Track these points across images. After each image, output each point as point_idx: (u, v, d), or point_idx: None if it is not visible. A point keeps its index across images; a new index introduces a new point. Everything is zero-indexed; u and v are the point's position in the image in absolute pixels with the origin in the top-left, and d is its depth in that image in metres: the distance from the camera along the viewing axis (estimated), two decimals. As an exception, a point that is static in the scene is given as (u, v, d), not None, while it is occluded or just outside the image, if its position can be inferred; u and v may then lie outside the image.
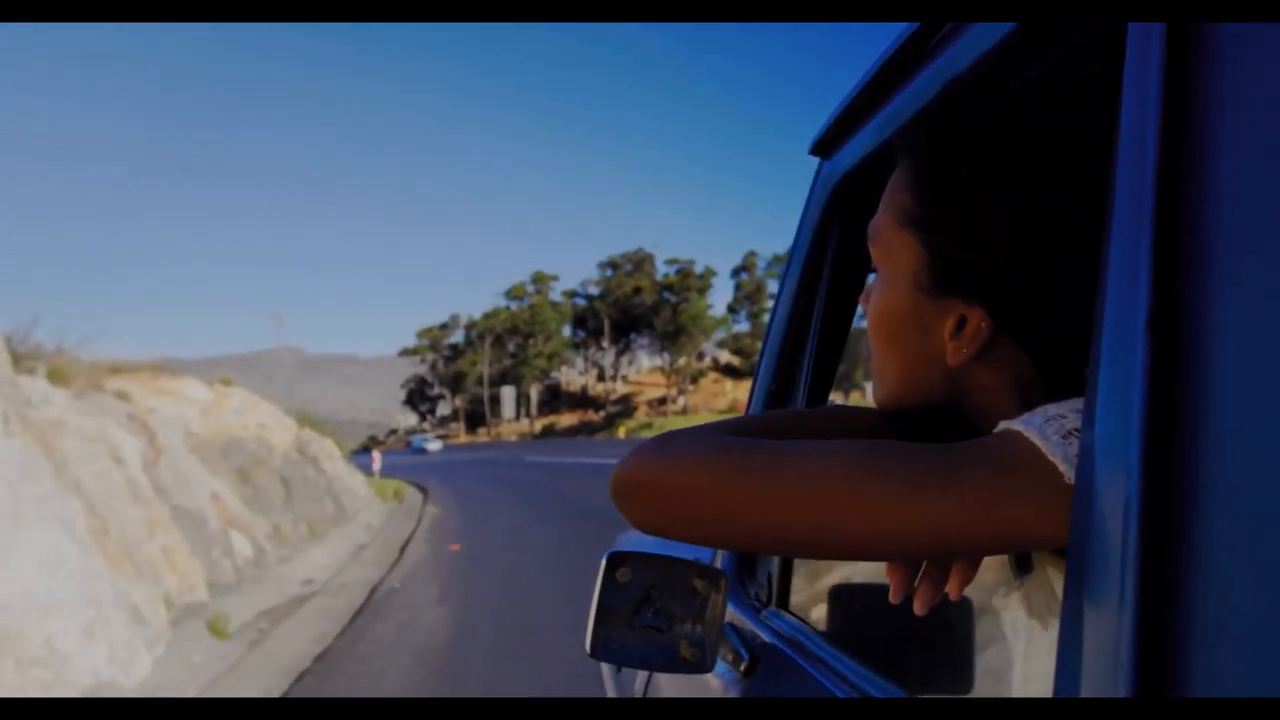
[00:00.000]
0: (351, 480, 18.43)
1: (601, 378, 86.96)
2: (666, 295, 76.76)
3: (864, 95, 0.92)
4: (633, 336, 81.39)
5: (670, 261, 78.59)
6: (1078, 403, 0.50)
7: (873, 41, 0.88)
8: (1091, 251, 0.50)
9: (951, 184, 0.62)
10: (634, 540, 1.73)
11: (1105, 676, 0.36)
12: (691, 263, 76.41)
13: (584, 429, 70.78)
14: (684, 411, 67.25)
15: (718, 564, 1.23)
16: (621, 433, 58.24)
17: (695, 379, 74.62)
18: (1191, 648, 0.33)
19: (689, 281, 74.69)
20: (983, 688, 1.03)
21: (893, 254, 0.66)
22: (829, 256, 1.11)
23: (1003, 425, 0.52)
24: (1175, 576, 0.34)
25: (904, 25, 0.80)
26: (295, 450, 12.91)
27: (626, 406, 74.46)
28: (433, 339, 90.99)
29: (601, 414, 75.70)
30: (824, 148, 1.09)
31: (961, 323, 0.62)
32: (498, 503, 17.98)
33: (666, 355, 74.74)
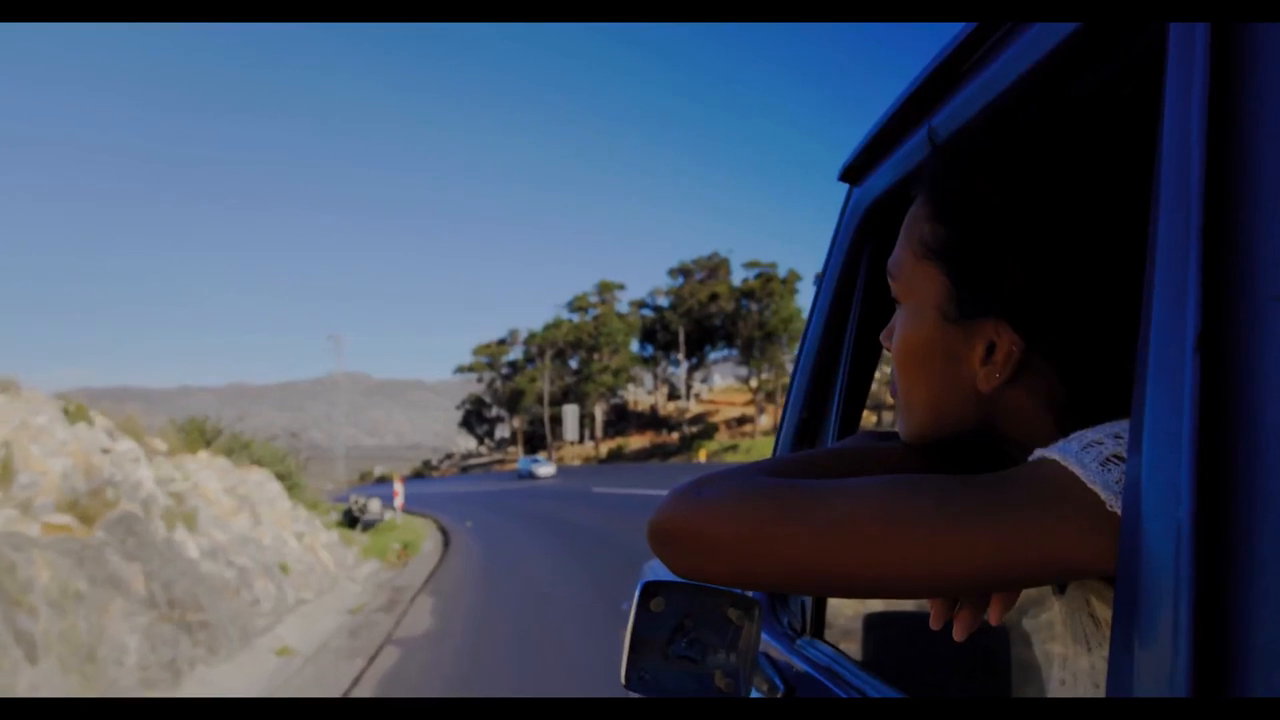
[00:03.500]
0: (310, 540, 10.88)
1: (673, 396, 79.12)
2: (745, 303, 68.90)
3: (893, 122, 0.92)
4: (707, 350, 73.53)
5: (750, 265, 70.68)
6: (1112, 427, 0.50)
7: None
8: (1121, 268, 0.54)
9: (969, 210, 0.61)
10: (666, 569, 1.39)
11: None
12: (773, 266, 68.40)
13: (657, 452, 62.79)
14: (774, 431, 58.75)
15: (750, 593, 1.17)
16: (702, 456, 50.11)
17: (780, 395, 66.21)
18: (1249, 680, 0.32)
19: (771, 286, 66.52)
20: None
21: (915, 286, 0.65)
22: (860, 283, 1.10)
23: (1038, 454, 0.52)
24: (1231, 606, 0.33)
25: (932, 54, 0.79)
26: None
27: (706, 427, 66.30)
28: (491, 355, 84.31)
29: (676, 435, 67.61)
30: (854, 174, 1.08)
31: (991, 348, 0.61)
32: (552, 581, 10.19)
33: (747, 369, 66.69)
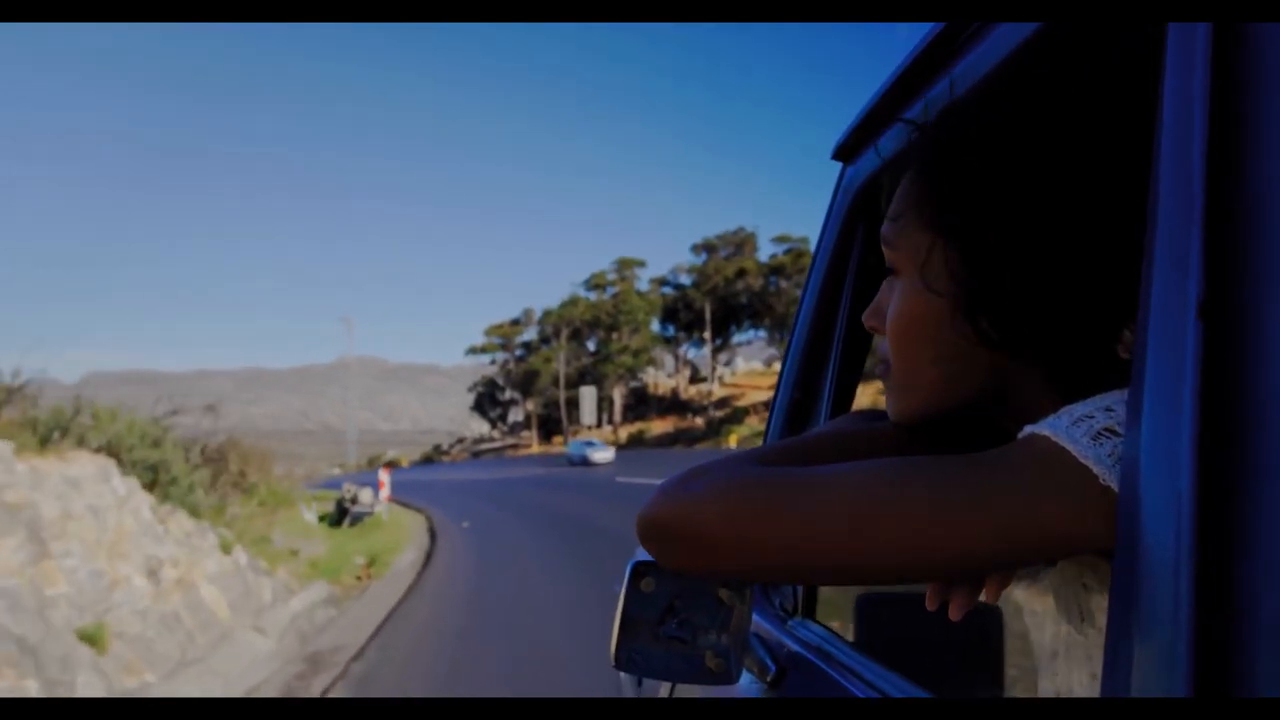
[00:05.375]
0: (186, 572, 6.83)
1: (694, 379, 74.89)
2: (774, 280, 64.54)
3: (886, 99, 0.91)
4: (732, 330, 69.22)
5: (779, 239, 66.33)
6: (1104, 400, 0.50)
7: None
8: (1123, 237, 0.53)
9: (974, 178, 0.60)
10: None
11: (1159, 688, 0.34)
12: (804, 240, 63.96)
13: (681, 438, 58.56)
14: (808, 416, 54.23)
15: None
16: (733, 441, 45.94)
17: (810, 378, 61.47)
18: (1253, 656, 0.31)
19: (803, 262, 62.15)
20: (1012, 688, 1.03)
21: (919, 256, 0.63)
22: (853, 262, 1.09)
23: (1028, 430, 0.51)
24: (1233, 581, 0.32)
25: (926, 30, 0.79)
26: None
27: (733, 411, 62.05)
28: (504, 336, 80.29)
29: (701, 420, 63.41)
30: (847, 152, 1.08)
31: None
32: (569, 639, 6.12)
33: (779, 350, 62.39)
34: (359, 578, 10.73)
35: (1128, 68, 0.56)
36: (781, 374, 1.21)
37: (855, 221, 1.07)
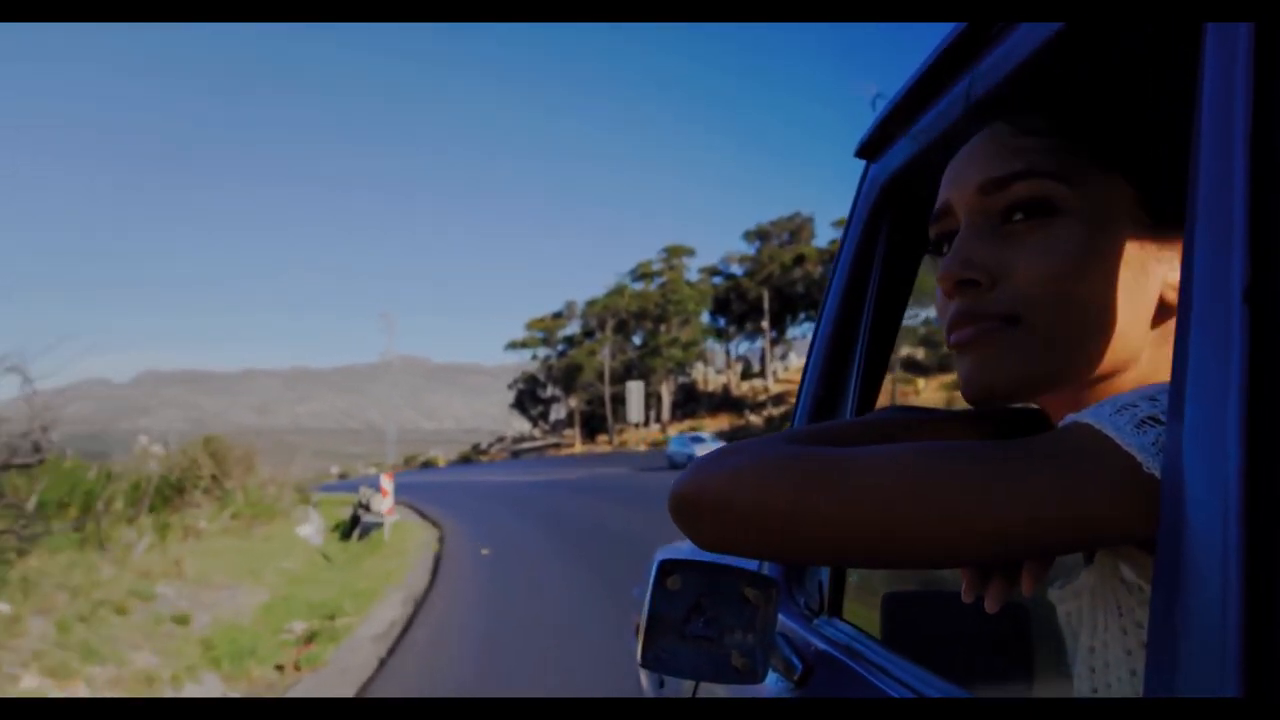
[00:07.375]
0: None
1: (746, 374, 70.08)
2: (835, 266, 59.60)
3: (910, 97, 0.92)
4: (787, 321, 64.31)
5: (839, 224, 61.31)
6: (1148, 390, 0.50)
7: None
8: None
9: (1119, 111, 0.59)
10: (686, 548, 1.61)
11: (1206, 687, 0.33)
12: (868, 223, 58.83)
13: (736, 437, 54.00)
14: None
15: (768, 573, 1.15)
16: (798, 442, 40.96)
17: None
18: None
19: (867, 246, 57.14)
20: (1044, 684, 1.02)
21: (1084, 189, 0.58)
22: (877, 260, 1.10)
23: (1070, 419, 0.52)
24: None
25: (950, 27, 0.80)
26: None
27: (791, 408, 57.16)
28: (546, 330, 76.20)
29: (758, 417, 58.59)
30: (871, 150, 1.09)
31: None
32: None
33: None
34: (281, 667, 6.37)
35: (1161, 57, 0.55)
36: (806, 370, 1.21)
37: (879, 218, 1.07)
